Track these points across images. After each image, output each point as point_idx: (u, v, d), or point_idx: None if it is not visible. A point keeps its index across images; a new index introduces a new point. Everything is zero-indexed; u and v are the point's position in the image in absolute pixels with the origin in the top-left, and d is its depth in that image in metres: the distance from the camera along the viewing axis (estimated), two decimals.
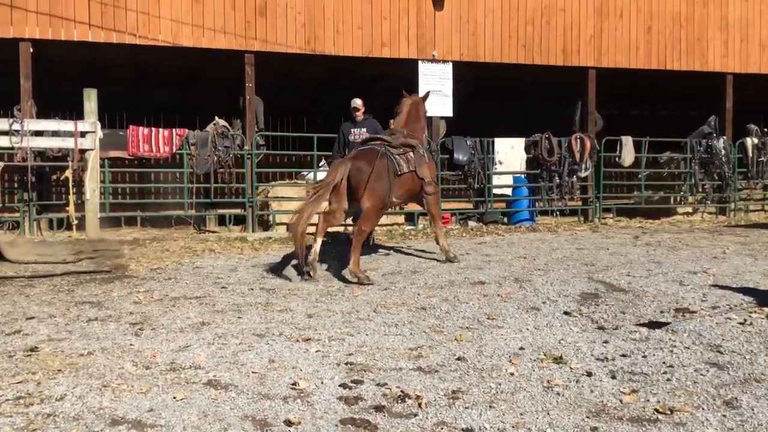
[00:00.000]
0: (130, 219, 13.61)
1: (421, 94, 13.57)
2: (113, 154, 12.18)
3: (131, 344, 5.08)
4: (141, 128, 12.28)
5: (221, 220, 13.30)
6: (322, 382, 4.24)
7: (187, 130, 12.47)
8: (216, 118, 12.74)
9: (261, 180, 14.46)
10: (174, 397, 3.99)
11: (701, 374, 4.36)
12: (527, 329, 5.48)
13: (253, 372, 4.44)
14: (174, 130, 12.40)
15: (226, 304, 6.40)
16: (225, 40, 12.62)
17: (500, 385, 4.21)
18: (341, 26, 13.20)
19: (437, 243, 8.89)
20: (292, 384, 4.20)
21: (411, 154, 8.45)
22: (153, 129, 12.35)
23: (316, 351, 4.89)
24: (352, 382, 4.25)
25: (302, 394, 4.04)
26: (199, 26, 12.43)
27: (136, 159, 12.61)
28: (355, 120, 10.04)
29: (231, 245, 10.52)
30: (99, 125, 11.41)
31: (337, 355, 4.79)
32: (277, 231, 12.28)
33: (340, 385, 4.19)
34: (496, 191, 14.29)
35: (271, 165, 16.21)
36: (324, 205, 8.14)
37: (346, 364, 4.61)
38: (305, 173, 14.15)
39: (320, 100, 19.15)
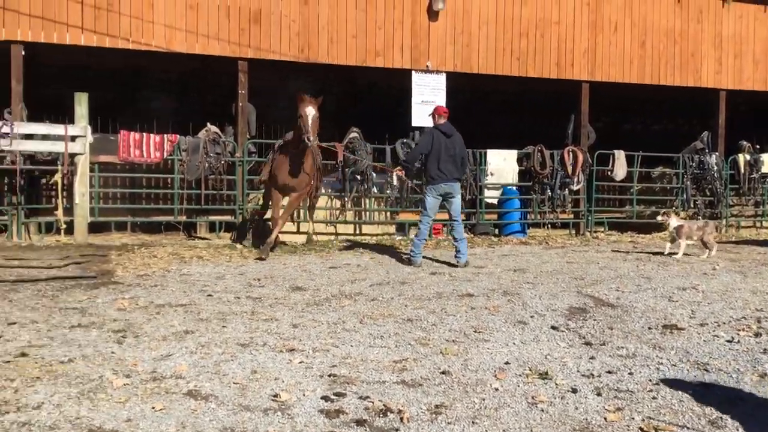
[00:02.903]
0: (119, 224, 13.53)
1: (417, 102, 13.69)
2: (103, 158, 12.09)
3: (113, 352, 5.02)
4: (132, 133, 12.21)
5: (212, 227, 13.23)
6: (304, 395, 4.19)
7: (178, 136, 12.41)
8: (208, 124, 12.68)
9: (252, 187, 14.42)
10: (153, 408, 3.93)
11: (687, 393, 4.33)
12: (514, 343, 5.44)
13: (234, 383, 4.38)
14: (165, 135, 12.33)
15: (212, 312, 6.34)
16: (219, 46, 12.58)
17: (484, 400, 4.17)
18: (335, 35, 13.19)
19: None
20: (274, 396, 4.15)
21: None
22: (144, 134, 12.28)
23: (300, 362, 4.84)
24: (334, 394, 4.20)
25: (283, 407, 3.99)
26: (192, 32, 12.39)
27: (126, 164, 12.53)
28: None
29: (220, 252, 10.45)
30: (89, 129, 11.34)
31: (320, 367, 4.74)
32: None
33: (322, 398, 4.14)
34: (487, 201, 14.27)
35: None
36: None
37: (330, 376, 4.56)
38: None
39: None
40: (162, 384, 4.33)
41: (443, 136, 9.44)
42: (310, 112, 9.76)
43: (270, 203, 10.90)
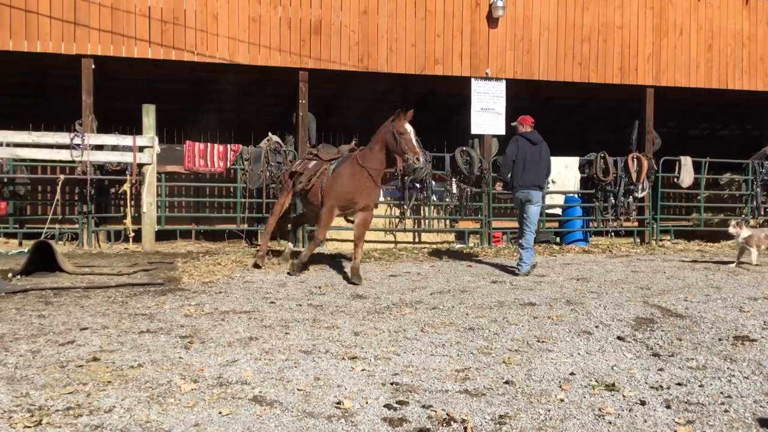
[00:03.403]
0: (184, 232, 13.85)
1: (476, 109, 13.62)
2: (170, 168, 12.43)
3: (180, 357, 5.13)
4: (197, 143, 12.52)
5: (273, 235, 13.40)
6: (366, 402, 4.20)
7: (241, 146, 12.66)
8: (269, 134, 12.90)
9: None
10: (220, 413, 4.00)
11: (761, 406, 4.17)
12: (578, 354, 5.33)
13: (298, 389, 4.42)
14: (229, 145, 12.61)
15: (274, 319, 6.42)
16: (280, 57, 12.79)
17: (549, 411, 4.10)
18: (394, 44, 13.25)
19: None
20: (337, 403, 4.17)
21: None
22: (208, 144, 12.57)
23: (362, 370, 4.85)
24: (397, 402, 4.20)
25: (346, 414, 4.01)
26: (255, 44, 12.64)
27: (192, 173, 12.85)
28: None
29: (280, 260, 10.57)
30: (156, 140, 11.68)
31: (382, 375, 4.74)
32: (326, 247, 12.32)
33: (384, 406, 4.14)
34: (548, 211, 14.07)
35: None
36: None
37: (392, 384, 4.56)
38: None
39: (373, 117, 19.26)
40: (228, 389, 4.40)
41: (528, 143, 9.57)
42: (410, 129, 8.80)
43: (305, 216, 10.63)
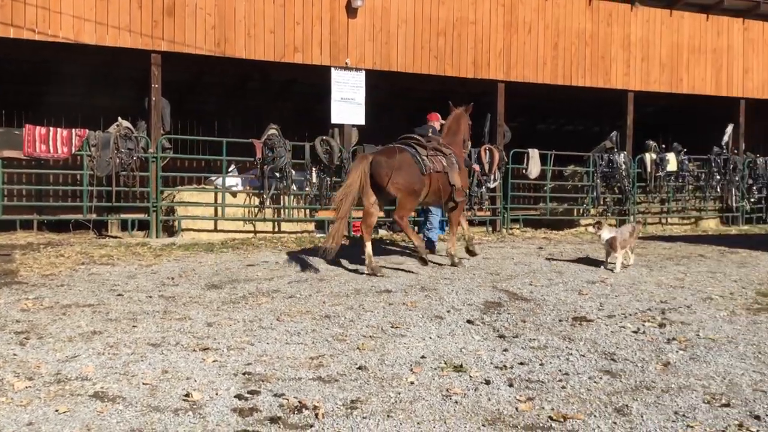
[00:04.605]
0: (25, 223, 12.91)
1: (336, 99, 13.66)
2: (7, 153, 11.54)
3: (15, 354, 4.79)
4: (38, 127, 11.69)
5: (123, 225, 12.80)
6: (216, 393, 4.10)
7: (87, 131, 11.95)
8: (119, 119, 12.26)
9: (167, 184, 14.06)
10: (56, 410, 3.77)
11: (595, 382, 4.47)
12: (430, 338, 5.49)
13: (144, 383, 4.25)
14: (74, 130, 11.87)
15: (121, 312, 6.13)
16: (131, 39, 12.18)
17: (400, 394, 4.18)
18: (252, 29, 12.98)
19: (450, 248, 9.31)
20: (185, 395, 4.04)
21: (442, 158, 9.12)
22: (51, 129, 11.77)
23: (213, 361, 4.73)
24: (248, 392, 4.13)
25: (194, 406, 3.89)
26: (102, 24, 11.95)
27: (33, 159, 11.99)
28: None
29: (132, 251, 10.13)
30: None
31: (234, 365, 4.65)
32: (182, 237, 11.92)
33: (235, 396, 4.06)
34: None
35: (179, 169, 15.77)
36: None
37: (244, 374, 4.48)
38: (214, 178, 13.83)
39: (232, 104, 18.84)
40: (67, 386, 4.16)
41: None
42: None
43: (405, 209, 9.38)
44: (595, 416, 3.87)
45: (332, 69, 13.66)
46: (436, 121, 10.52)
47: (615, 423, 3.78)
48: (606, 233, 9.07)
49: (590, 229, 10.30)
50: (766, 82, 17.93)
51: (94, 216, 12.33)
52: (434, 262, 9.28)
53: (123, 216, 12.70)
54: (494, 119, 15.23)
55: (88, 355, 4.79)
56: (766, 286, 7.88)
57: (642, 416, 3.88)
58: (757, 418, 3.86)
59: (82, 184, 11.93)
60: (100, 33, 11.97)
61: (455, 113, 9.89)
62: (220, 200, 12.76)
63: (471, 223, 15.07)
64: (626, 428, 3.72)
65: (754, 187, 17.67)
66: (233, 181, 13.37)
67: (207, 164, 15.90)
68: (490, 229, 14.99)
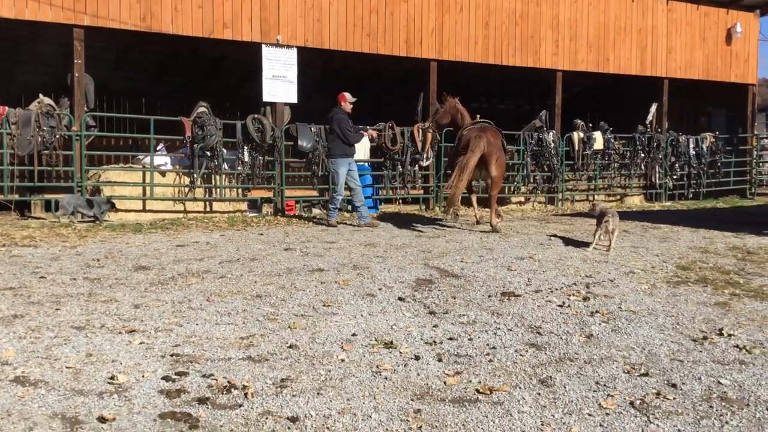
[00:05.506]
0: None
1: (268, 77, 13.46)
2: None
3: None
4: None
5: (47, 206, 12.36)
6: (143, 376, 4.03)
7: (7, 108, 11.46)
8: (40, 95, 11.79)
9: (93, 163, 13.64)
10: None
11: (521, 355, 4.59)
12: (361, 315, 5.52)
13: (67, 367, 4.14)
14: None
15: (44, 295, 5.95)
16: (51, 12, 11.69)
17: (330, 371, 4.20)
18: (180, 4, 12.62)
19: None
20: (110, 378, 3.96)
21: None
22: None
23: (140, 343, 4.65)
24: (176, 374, 4.08)
25: (120, 389, 3.82)
26: None
27: None
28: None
29: (55, 232, 9.82)
30: None
31: (162, 347, 4.58)
32: (108, 216, 11.60)
33: (162, 378, 4.00)
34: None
35: (105, 148, 15.31)
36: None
37: (172, 355, 4.41)
38: (141, 157, 13.48)
39: (161, 82, 18.36)
40: None
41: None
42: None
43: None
44: (520, 388, 3.98)
45: (263, 46, 13.45)
46: (344, 102, 11.41)
47: (539, 394, 3.89)
48: (609, 216, 8.63)
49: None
50: (688, 62, 18.55)
51: (15, 196, 11.87)
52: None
53: (47, 196, 12.25)
54: (427, 98, 15.29)
55: (9, 340, 4.64)
56: (685, 260, 8.20)
57: (565, 387, 4.01)
58: (674, 386, 4.03)
59: (2, 163, 11.46)
60: (19, 6, 11.46)
61: (455, 102, 11.60)
62: (148, 180, 12.46)
63: (404, 201, 15.23)
64: (550, 399, 3.83)
65: (677, 165, 18.32)
66: (162, 160, 13.07)
67: (135, 143, 15.49)
68: (423, 207, 15.11)
